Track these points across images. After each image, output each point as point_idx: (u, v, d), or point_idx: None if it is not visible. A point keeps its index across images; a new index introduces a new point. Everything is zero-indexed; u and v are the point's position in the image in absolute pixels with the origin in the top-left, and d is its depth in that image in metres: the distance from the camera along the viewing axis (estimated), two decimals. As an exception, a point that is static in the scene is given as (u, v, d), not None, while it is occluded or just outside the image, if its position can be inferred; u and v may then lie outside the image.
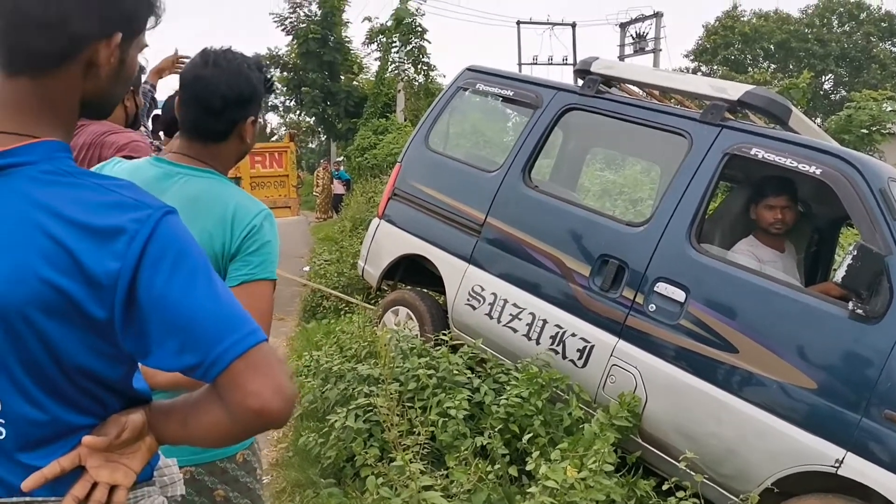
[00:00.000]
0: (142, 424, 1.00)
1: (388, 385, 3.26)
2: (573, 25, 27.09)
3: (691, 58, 39.51)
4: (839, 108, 19.63)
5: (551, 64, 28.04)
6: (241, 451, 1.72)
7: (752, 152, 3.28)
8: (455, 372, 3.52)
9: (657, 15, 24.63)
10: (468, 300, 4.10)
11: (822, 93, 36.54)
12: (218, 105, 1.57)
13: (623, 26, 25.55)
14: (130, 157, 2.32)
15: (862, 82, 31.50)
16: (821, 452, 2.71)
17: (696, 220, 3.35)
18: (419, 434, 2.95)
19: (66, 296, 0.89)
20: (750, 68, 35.15)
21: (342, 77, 22.69)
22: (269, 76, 1.68)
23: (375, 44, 20.08)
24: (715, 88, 3.65)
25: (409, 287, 4.81)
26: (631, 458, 3.24)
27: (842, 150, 3.17)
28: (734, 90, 3.55)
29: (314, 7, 21.91)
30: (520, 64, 27.65)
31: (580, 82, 4.17)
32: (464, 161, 4.63)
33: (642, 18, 25.08)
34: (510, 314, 3.87)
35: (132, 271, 0.90)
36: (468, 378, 3.51)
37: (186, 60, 3.24)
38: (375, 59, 20.66)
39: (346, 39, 22.92)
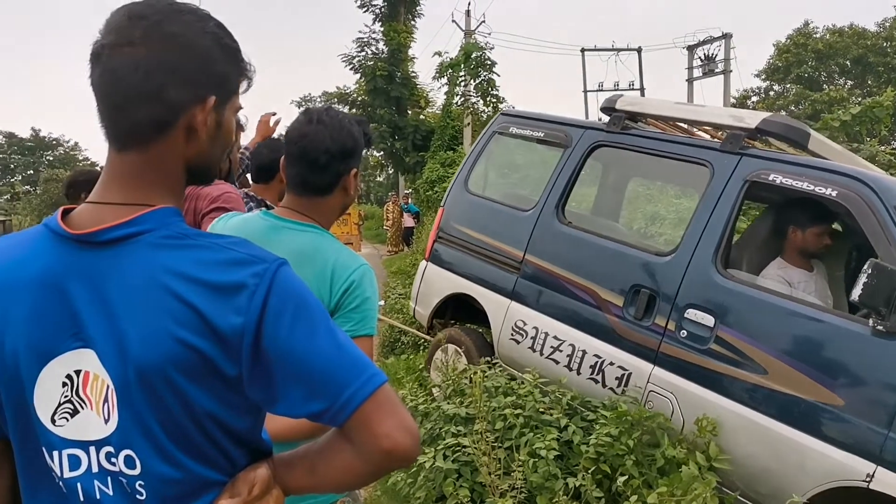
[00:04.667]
0: (269, 478, 1.02)
1: (481, 425, 3.22)
2: (639, 50, 26.84)
3: (762, 77, 38.63)
4: (924, 125, 18.79)
5: (617, 90, 28.04)
6: (341, 497, 1.73)
7: (771, 178, 3.40)
8: (541, 410, 3.48)
9: (726, 36, 24.17)
10: (512, 335, 4.30)
11: (904, 109, 35.05)
12: (324, 160, 1.66)
13: (691, 49, 25.32)
14: (223, 208, 2.51)
15: (948, 97, 30.13)
16: (852, 468, 2.77)
17: (720, 246, 3.47)
18: (513, 475, 2.92)
19: (201, 354, 0.92)
20: (825, 86, 34.02)
21: (409, 111, 23.24)
22: (367, 130, 1.76)
23: (445, 77, 20.52)
24: (734, 118, 3.77)
25: (456, 325, 5.03)
26: (729, 500, 3.13)
27: (856, 170, 3.24)
28: (752, 118, 3.68)
29: (381, 45, 22.73)
30: (585, 91, 27.46)
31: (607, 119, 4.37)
32: (501, 202, 4.86)
33: (710, 40, 24.68)
34: (551, 346, 4.04)
35: (256, 324, 0.92)
36: (555, 417, 3.44)
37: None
38: (445, 94, 20.92)
39: (413, 74, 23.50)
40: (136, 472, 0.95)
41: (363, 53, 22.67)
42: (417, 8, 23.23)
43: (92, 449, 0.95)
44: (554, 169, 4.53)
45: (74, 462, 0.96)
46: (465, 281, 4.73)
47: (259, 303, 0.93)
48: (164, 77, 0.93)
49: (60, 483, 0.97)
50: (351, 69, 22.68)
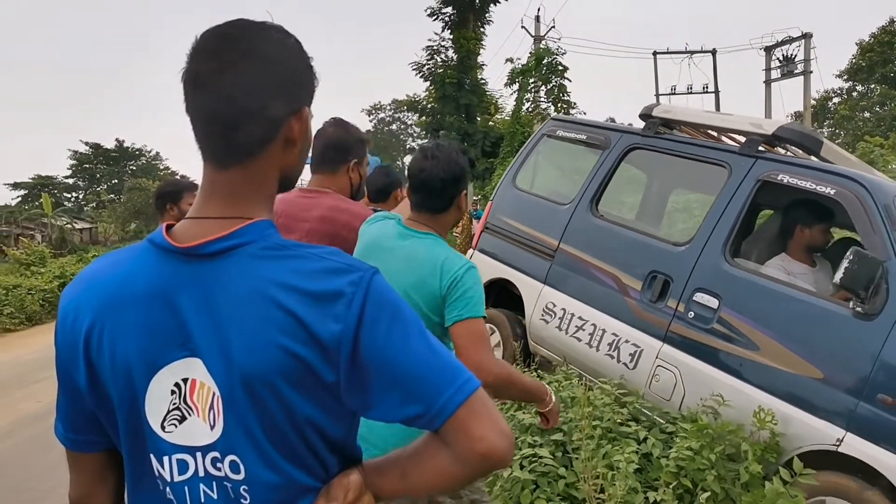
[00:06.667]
0: (361, 483, 1.03)
1: (579, 435, 3.24)
2: (713, 52, 26.42)
3: (844, 77, 37.34)
4: None
5: (690, 93, 27.23)
6: None
7: (779, 178, 3.76)
8: (619, 422, 3.53)
9: (806, 36, 23.47)
10: (542, 315, 4.76)
11: None
12: (439, 187, 2.08)
13: (768, 50, 24.73)
14: None
15: None
16: (825, 433, 3.12)
17: (731, 237, 3.85)
18: (592, 487, 2.97)
19: (303, 362, 0.94)
20: (914, 85, 32.61)
21: (478, 118, 23.28)
22: (470, 157, 2.34)
23: (516, 83, 20.47)
24: (753, 125, 4.14)
25: (491, 307, 5.51)
26: None
27: (854, 172, 3.57)
28: (769, 126, 4.04)
29: (450, 53, 22.81)
30: (657, 95, 26.97)
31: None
32: (543, 196, 5.33)
33: (789, 41, 24.03)
34: (576, 326, 4.48)
35: (353, 331, 0.94)
36: (634, 429, 3.47)
37: None
38: (515, 100, 21.03)
39: (482, 81, 23.47)
40: (241, 476, 0.98)
41: (433, 61, 22.78)
42: (487, 15, 23.33)
43: (198, 454, 0.99)
44: (592, 167, 4.97)
45: (183, 466, 1.00)
46: (506, 267, 5.21)
47: (357, 310, 0.95)
48: (268, 94, 0.97)
49: (167, 488, 1.01)
50: (421, 77, 22.83)
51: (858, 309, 3.16)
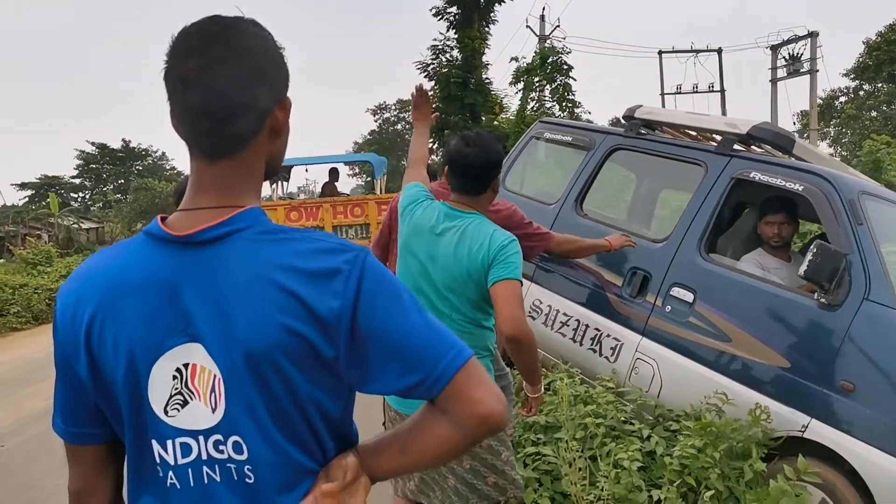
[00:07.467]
0: (357, 465, 1.06)
1: (569, 434, 3.28)
2: (719, 51, 26.42)
3: (851, 76, 37.27)
4: None
5: (696, 92, 27.26)
6: None
7: (752, 175, 3.89)
8: (623, 420, 3.57)
9: (812, 35, 23.48)
10: (529, 312, 4.88)
11: None
12: (479, 172, 2.38)
13: (775, 49, 24.74)
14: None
15: None
16: (791, 420, 3.24)
17: (706, 233, 3.98)
18: (598, 485, 3.01)
19: (304, 339, 0.97)
20: (922, 84, 32.49)
21: (483, 118, 23.09)
22: (504, 144, 2.45)
23: (521, 83, 20.46)
24: (728, 125, 4.27)
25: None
26: None
27: (821, 168, 3.69)
28: (743, 125, 4.16)
29: (455, 52, 22.69)
30: (662, 94, 26.93)
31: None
32: (531, 196, 5.46)
33: (795, 39, 24.02)
34: (561, 322, 4.62)
35: (352, 306, 0.98)
36: (638, 427, 3.50)
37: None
38: (520, 99, 21.01)
39: (487, 81, 23.32)
40: (244, 457, 1.00)
41: (438, 61, 22.66)
42: (492, 14, 23.19)
43: (201, 438, 1.01)
44: (577, 167, 5.10)
45: (186, 450, 1.02)
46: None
47: (354, 286, 0.99)
48: (256, 86, 1.00)
49: (170, 472, 1.03)
50: (425, 76, 22.66)
51: (823, 300, 3.28)
